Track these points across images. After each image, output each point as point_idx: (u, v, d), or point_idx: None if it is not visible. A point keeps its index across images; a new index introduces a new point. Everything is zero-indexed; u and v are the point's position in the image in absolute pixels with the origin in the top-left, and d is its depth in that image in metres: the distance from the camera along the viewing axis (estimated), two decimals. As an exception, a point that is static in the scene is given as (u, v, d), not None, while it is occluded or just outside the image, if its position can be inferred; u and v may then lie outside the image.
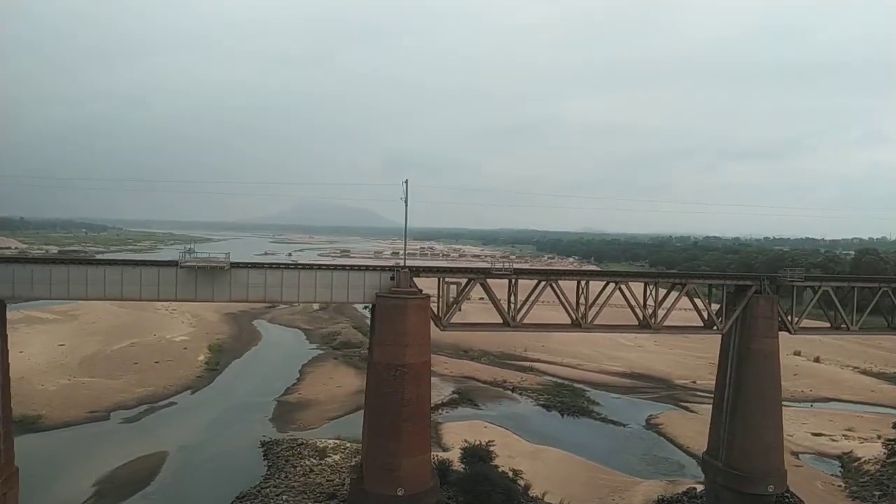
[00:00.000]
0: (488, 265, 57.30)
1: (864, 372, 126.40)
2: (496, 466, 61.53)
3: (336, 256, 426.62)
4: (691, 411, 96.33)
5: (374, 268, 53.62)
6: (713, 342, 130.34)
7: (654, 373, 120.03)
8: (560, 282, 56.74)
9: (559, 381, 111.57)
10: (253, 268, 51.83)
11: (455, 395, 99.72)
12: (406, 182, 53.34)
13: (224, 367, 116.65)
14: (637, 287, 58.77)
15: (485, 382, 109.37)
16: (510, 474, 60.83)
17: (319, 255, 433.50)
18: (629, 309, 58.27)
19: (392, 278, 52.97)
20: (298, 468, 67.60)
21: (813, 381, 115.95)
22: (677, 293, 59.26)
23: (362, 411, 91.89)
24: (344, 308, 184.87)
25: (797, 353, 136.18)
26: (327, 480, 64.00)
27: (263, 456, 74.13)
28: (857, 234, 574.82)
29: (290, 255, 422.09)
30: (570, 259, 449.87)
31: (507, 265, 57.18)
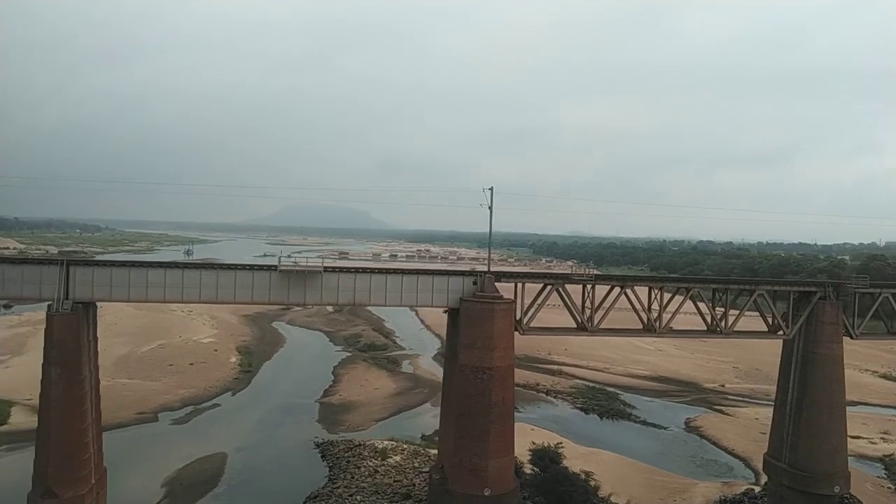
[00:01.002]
0: (567, 271, 58.58)
1: (885, 376, 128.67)
2: (565, 468, 62.83)
3: (336, 258, 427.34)
4: (727, 414, 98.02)
5: (458, 273, 54.95)
6: (734, 346, 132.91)
7: (680, 376, 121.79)
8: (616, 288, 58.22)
9: (589, 384, 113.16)
10: (343, 272, 53.03)
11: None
12: (491, 189, 54.65)
13: (257, 368, 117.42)
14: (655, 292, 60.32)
15: (518, 385, 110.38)
16: (582, 476, 62.12)
17: (317, 256, 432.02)
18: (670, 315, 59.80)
19: (475, 283, 54.33)
20: (362, 469, 68.59)
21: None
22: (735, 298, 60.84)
23: (405, 413, 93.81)
24: (360, 311, 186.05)
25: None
26: (395, 481, 65.04)
27: (321, 457, 75.15)
28: (847, 240, 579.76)
29: (289, 255, 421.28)
30: (569, 262, 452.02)
31: (585, 271, 58.38)
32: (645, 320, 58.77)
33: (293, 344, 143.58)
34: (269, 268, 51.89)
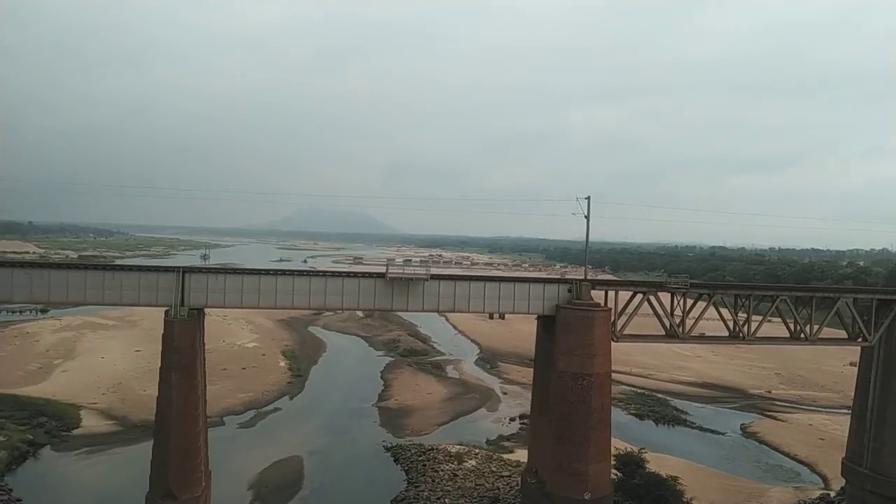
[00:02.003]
0: (661, 279, 59.71)
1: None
2: (657, 473, 63.80)
3: (350, 263, 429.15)
4: (780, 420, 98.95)
5: (553, 280, 56.27)
6: (772, 353, 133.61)
7: (725, 382, 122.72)
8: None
9: (637, 390, 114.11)
10: (444, 280, 54.35)
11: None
12: (588, 198, 55.91)
13: (307, 373, 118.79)
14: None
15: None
16: (670, 481, 63.16)
17: (333, 261, 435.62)
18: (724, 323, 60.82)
19: (569, 290, 55.60)
20: (440, 473, 69.82)
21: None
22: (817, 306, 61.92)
23: (463, 418, 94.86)
24: (391, 316, 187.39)
25: (853, 364, 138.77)
26: (477, 485, 66.23)
27: (394, 460, 76.37)
28: (857, 246, 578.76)
29: (305, 261, 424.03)
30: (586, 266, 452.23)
31: (680, 278, 59.46)
32: (731, 328, 59.85)
33: (335, 349, 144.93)
34: (376, 275, 53.21)
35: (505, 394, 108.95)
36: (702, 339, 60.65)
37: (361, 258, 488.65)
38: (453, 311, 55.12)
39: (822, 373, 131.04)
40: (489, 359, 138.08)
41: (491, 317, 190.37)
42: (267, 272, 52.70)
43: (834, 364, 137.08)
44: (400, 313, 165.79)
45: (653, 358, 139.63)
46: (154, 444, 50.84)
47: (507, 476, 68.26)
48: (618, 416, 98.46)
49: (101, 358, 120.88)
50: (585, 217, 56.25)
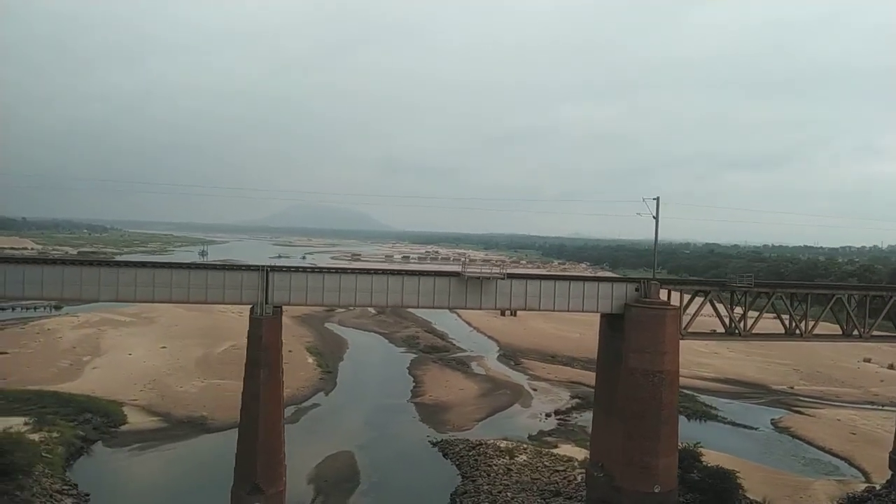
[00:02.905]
0: (725, 279, 61.21)
1: None
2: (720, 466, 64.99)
3: (349, 260, 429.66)
4: (808, 415, 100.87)
5: (622, 279, 57.74)
6: (788, 349, 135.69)
7: (747, 379, 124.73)
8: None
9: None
10: (516, 279, 55.64)
11: (579, 400, 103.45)
12: (657, 199, 57.28)
13: (335, 369, 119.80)
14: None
15: (593, 387, 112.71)
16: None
17: (332, 258, 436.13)
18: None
19: (637, 290, 57.02)
20: (494, 467, 71.04)
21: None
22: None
23: (499, 414, 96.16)
24: (404, 312, 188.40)
25: (867, 360, 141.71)
26: (533, 479, 67.53)
27: (443, 455, 77.61)
28: (847, 243, 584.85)
29: (303, 257, 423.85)
30: (583, 265, 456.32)
31: (745, 277, 60.87)
32: (788, 325, 61.48)
33: (356, 345, 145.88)
34: (451, 274, 54.40)
35: (535, 390, 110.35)
36: (760, 336, 62.24)
37: (360, 255, 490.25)
38: (524, 309, 56.37)
39: (839, 369, 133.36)
40: (510, 355, 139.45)
41: (503, 314, 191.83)
42: (345, 271, 53.83)
43: (850, 361, 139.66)
44: (412, 310, 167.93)
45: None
46: (240, 439, 51.89)
47: (561, 470, 69.63)
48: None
49: (129, 355, 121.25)
50: (654, 218, 57.57)
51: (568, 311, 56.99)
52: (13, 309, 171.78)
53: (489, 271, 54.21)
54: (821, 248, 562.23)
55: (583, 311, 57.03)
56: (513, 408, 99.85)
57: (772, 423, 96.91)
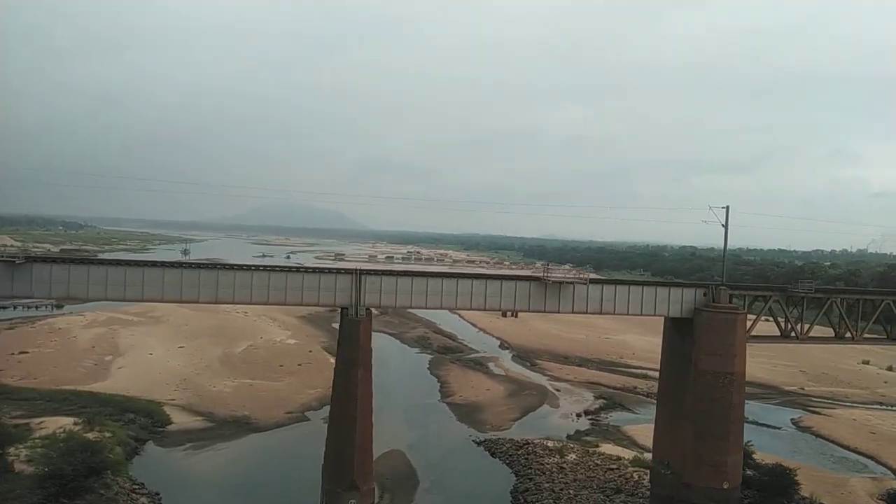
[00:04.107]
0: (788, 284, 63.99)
1: None
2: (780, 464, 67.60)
3: (332, 260, 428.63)
4: (825, 415, 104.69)
5: (690, 284, 60.27)
6: (792, 351, 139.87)
7: (757, 380, 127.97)
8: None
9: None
10: (592, 284, 57.86)
11: (604, 401, 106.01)
12: (726, 207, 59.82)
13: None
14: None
15: (615, 388, 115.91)
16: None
17: (316, 258, 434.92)
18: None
19: (705, 294, 59.58)
20: (546, 465, 73.11)
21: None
22: None
23: (531, 414, 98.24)
24: (407, 313, 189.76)
25: (865, 363, 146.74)
26: (589, 477, 69.70)
27: (490, 454, 79.55)
28: (818, 247, 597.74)
29: (288, 257, 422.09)
30: (566, 266, 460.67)
31: (804, 283, 63.70)
32: (837, 329, 64.55)
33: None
34: (531, 279, 56.38)
35: (558, 391, 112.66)
36: (815, 339, 65.10)
37: (343, 254, 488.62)
38: (599, 313, 58.50)
39: (841, 371, 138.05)
40: (524, 356, 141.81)
41: (504, 315, 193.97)
42: (432, 275, 55.53)
43: (848, 363, 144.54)
44: (413, 310, 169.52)
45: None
46: (333, 438, 53.27)
47: (615, 469, 71.83)
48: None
49: (150, 354, 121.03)
50: (723, 226, 60.10)
51: (641, 314, 59.29)
52: (14, 307, 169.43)
53: (571, 277, 56.17)
54: (794, 251, 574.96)
55: (654, 314, 59.40)
56: (542, 408, 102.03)
57: (793, 423, 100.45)
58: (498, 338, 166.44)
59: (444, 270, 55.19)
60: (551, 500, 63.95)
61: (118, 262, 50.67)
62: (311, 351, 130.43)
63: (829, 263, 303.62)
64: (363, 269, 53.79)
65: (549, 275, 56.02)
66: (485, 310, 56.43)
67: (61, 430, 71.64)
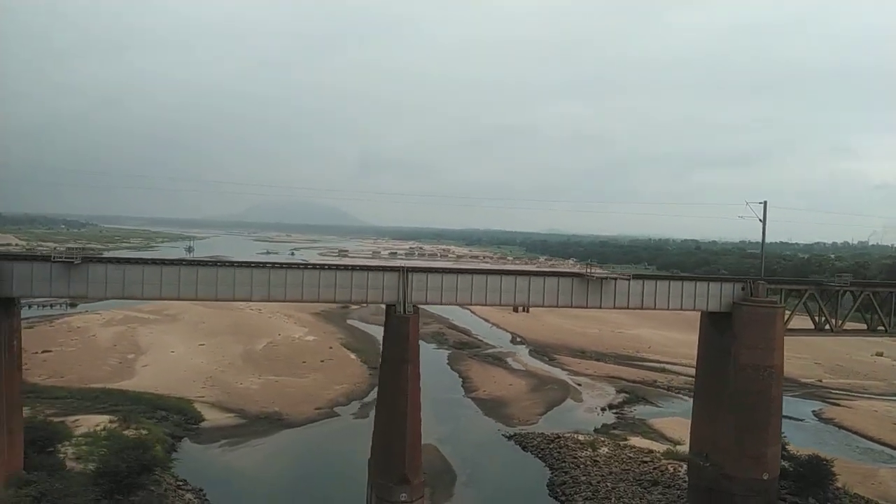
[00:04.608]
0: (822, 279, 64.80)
1: None
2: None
3: (334, 256, 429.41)
4: (845, 406, 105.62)
5: (729, 279, 61.05)
6: (806, 343, 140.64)
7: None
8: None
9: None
10: (633, 279, 58.60)
11: (626, 395, 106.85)
12: (764, 203, 60.61)
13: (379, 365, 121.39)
14: None
15: (634, 382, 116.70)
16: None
17: (320, 254, 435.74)
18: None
19: (743, 289, 60.32)
20: (580, 458, 73.96)
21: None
22: None
23: (556, 409, 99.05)
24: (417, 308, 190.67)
25: (879, 354, 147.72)
26: (623, 469, 70.56)
27: (522, 448, 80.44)
28: (819, 239, 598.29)
29: (292, 253, 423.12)
30: (570, 261, 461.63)
31: (840, 278, 64.43)
32: (870, 322, 65.35)
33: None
34: (574, 275, 57.15)
35: (579, 385, 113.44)
36: (849, 332, 65.93)
37: (346, 251, 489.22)
38: (640, 308, 59.21)
39: (856, 363, 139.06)
40: (541, 351, 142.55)
41: (515, 310, 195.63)
42: (476, 272, 56.29)
43: (862, 355, 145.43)
44: (425, 307, 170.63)
45: (695, 349, 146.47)
46: (382, 432, 54.08)
47: (648, 461, 72.69)
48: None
49: (172, 352, 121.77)
50: (760, 221, 60.86)
51: (681, 309, 60.02)
52: (29, 307, 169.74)
53: (613, 273, 56.90)
54: (796, 244, 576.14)
55: (694, 308, 60.13)
56: (566, 402, 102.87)
57: (814, 415, 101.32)
58: (513, 333, 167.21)
59: (486, 268, 55.74)
60: (589, 493, 64.89)
61: (171, 262, 51.23)
62: (331, 347, 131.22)
63: (834, 256, 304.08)
64: (410, 267, 54.41)
65: (593, 271, 56.74)
66: (528, 305, 57.09)
67: (101, 428, 72.52)
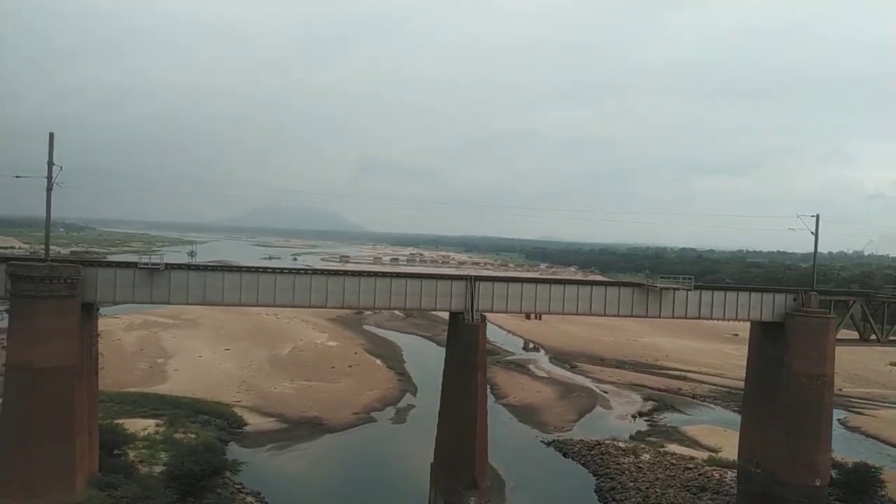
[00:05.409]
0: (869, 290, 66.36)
1: None
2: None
3: (337, 262, 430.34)
4: (869, 415, 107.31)
5: (782, 290, 62.62)
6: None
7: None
8: None
9: (721, 388, 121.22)
10: (692, 290, 60.05)
11: (654, 402, 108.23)
12: (816, 216, 62.16)
13: (405, 372, 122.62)
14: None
15: (658, 390, 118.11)
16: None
17: (322, 259, 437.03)
18: None
19: (795, 299, 61.90)
20: (624, 465, 75.31)
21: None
22: None
23: (587, 416, 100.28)
24: (430, 314, 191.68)
25: (893, 364, 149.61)
26: (668, 475, 71.89)
27: (562, 454, 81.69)
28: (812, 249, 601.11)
29: (295, 258, 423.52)
30: (571, 268, 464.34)
31: (890, 288, 66.06)
32: (913, 333, 66.91)
33: (408, 348, 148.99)
34: (635, 285, 58.61)
35: (605, 392, 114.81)
36: (894, 342, 67.48)
37: (347, 256, 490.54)
38: (698, 318, 60.64)
39: (872, 372, 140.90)
40: (561, 359, 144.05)
41: (528, 317, 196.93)
42: (541, 281, 57.79)
43: (877, 364, 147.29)
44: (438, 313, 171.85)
45: (709, 357, 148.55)
46: (450, 437, 55.43)
47: (692, 468, 74.04)
48: (724, 414, 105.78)
49: (199, 357, 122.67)
50: (813, 234, 62.40)
51: (735, 318, 61.45)
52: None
53: (675, 284, 58.34)
54: (794, 253, 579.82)
55: (748, 318, 61.61)
56: (596, 410, 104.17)
57: (840, 423, 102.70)
58: (529, 340, 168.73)
59: (549, 277, 57.04)
60: (639, 499, 66.12)
61: (249, 269, 52.38)
62: (355, 353, 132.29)
63: (840, 266, 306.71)
64: (476, 276, 55.72)
65: (657, 282, 58.25)
66: (590, 314, 58.43)
67: (154, 432, 73.38)
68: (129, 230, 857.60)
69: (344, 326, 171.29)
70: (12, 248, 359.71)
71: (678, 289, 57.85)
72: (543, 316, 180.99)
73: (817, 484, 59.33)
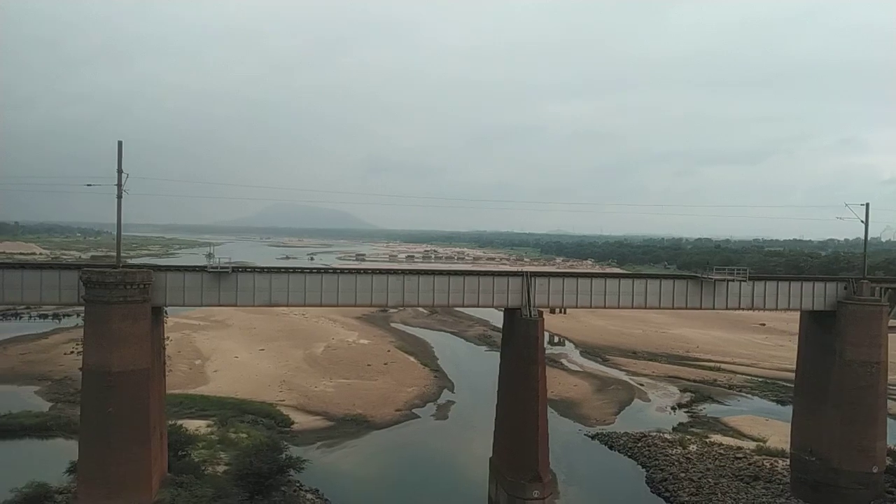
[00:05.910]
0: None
1: None
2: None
3: (351, 261, 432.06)
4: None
5: (833, 279, 62.90)
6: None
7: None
8: None
9: (756, 378, 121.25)
10: (744, 281, 60.44)
11: (692, 394, 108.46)
12: (866, 205, 62.34)
13: (439, 368, 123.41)
14: None
15: (694, 381, 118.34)
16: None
17: (337, 258, 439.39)
18: None
19: (846, 288, 62.14)
20: (672, 456, 75.76)
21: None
22: None
23: (627, 409, 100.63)
24: (454, 311, 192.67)
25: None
26: (718, 465, 72.29)
27: (608, 447, 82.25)
28: (832, 236, 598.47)
29: (311, 258, 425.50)
30: (588, 261, 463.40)
31: None
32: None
33: (438, 345, 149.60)
34: (689, 277, 59.08)
35: (642, 385, 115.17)
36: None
37: (363, 255, 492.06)
38: (751, 308, 61.05)
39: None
40: (592, 352, 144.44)
41: (553, 311, 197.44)
42: (596, 275, 58.40)
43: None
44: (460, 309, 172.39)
45: (742, 347, 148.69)
46: (511, 432, 56.08)
47: (741, 458, 74.42)
48: (764, 403, 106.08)
49: (235, 357, 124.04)
50: (863, 223, 62.63)
51: (788, 308, 61.80)
52: (60, 319, 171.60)
53: (730, 276, 58.75)
54: (809, 241, 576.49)
55: (800, 308, 61.94)
56: (635, 402, 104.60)
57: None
58: (555, 334, 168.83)
59: (603, 272, 57.63)
60: (693, 489, 66.56)
61: (314, 270, 53.33)
62: (388, 351, 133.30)
63: (859, 253, 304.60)
64: (532, 272, 56.36)
65: (712, 274, 58.70)
66: (645, 308, 58.89)
67: (210, 432, 74.52)
68: (143, 233, 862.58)
69: (371, 324, 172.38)
70: (34, 253, 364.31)
71: (734, 280, 58.17)
72: (569, 310, 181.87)
73: (874, 471, 59.67)
